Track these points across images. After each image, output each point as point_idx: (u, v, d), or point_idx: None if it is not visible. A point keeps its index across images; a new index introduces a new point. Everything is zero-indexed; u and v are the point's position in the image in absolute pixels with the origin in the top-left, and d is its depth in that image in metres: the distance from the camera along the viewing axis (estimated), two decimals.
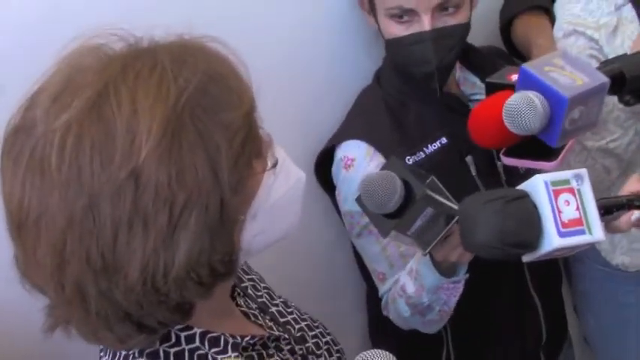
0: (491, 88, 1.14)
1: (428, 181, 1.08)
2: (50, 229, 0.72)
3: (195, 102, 0.74)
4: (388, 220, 1.08)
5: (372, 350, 0.83)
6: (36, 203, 0.72)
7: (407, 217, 1.07)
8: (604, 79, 1.07)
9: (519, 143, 1.11)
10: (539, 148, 1.09)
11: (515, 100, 1.03)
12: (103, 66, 0.75)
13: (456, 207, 1.08)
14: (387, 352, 0.90)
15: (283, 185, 0.85)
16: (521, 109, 1.02)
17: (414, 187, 1.07)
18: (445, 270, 1.22)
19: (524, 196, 0.98)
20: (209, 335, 0.86)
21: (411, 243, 1.12)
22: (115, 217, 0.71)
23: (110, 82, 0.73)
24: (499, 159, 1.37)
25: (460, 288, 1.26)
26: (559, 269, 1.74)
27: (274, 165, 0.83)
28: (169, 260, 0.73)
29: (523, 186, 1.01)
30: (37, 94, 0.76)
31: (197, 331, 0.85)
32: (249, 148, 0.78)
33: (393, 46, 1.43)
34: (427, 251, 1.13)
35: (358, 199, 1.09)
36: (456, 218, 1.09)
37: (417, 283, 1.27)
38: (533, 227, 0.96)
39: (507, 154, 1.13)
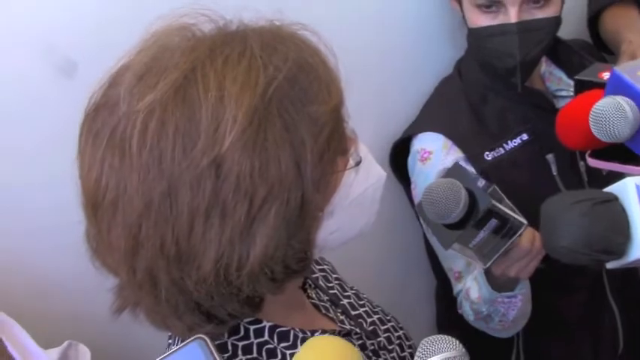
0: (581, 86, 1.08)
1: (490, 190, 1.05)
2: (127, 211, 0.71)
3: (283, 92, 0.72)
4: (450, 231, 1.05)
5: (438, 335, 0.79)
6: (114, 184, 0.71)
7: (470, 229, 1.04)
8: None
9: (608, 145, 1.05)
10: (628, 150, 1.03)
11: (604, 105, 0.97)
12: (191, 47, 0.73)
13: (521, 219, 1.06)
14: (453, 338, 0.84)
15: (363, 183, 0.83)
16: (610, 116, 0.96)
17: (478, 198, 1.03)
18: (503, 284, 1.20)
19: (614, 199, 0.94)
20: (278, 329, 0.85)
21: (471, 255, 1.09)
22: (193, 206, 0.69)
23: (198, 65, 0.71)
24: (582, 159, 1.39)
25: (518, 303, 1.24)
26: (638, 277, 1.67)
27: (357, 163, 0.81)
28: (244, 254, 0.71)
29: (611, 188, 0.96)
30: (121, 71, 0.75)
31: (266, 324, 0.84)
32: (334, 145, 0.76)
33: (476, 36, 1.40)
34: (488, 265, 1.10)
35: (419, 207, 1.06)
36: (520, 231, 1.07)
37: (479, 291, 1.26)
38: (622, 232, 0.91)
39: (594, 155, 1.08)
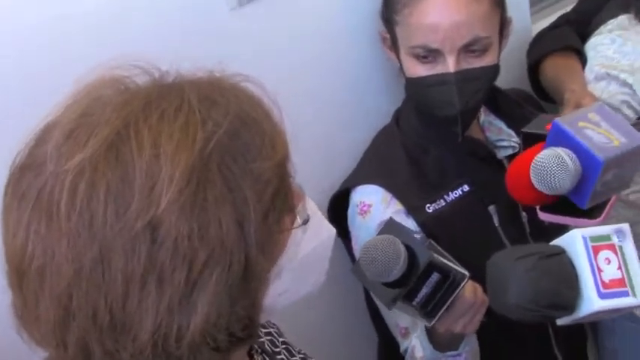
0: (529, 139, 1.09)
1: (426, 244, 1.05)
2: (55, 280, 0.67)
3: (224, 149, 0.69)
4: (391, 290, 1.03)
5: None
6: (41, 251, 0.68)
7: (412, 286, 1.03)
8: None
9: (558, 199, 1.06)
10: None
11: (545, 157, 0.98)
12: (124, 102, 0.70)
13: (463, 271, 1.05)
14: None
15: (312, 241, 0.81)
16: (551, 167, 0.97)
17: (417, 252, 1.02)
18: (447, 342, 1.19)
19: (561, 252, 0.94)
20: None
21: (414, 314, 1.08)
22: (128, 272, 0.66)
23: (131, 121, 0.68)
24: (524, 210, 1.40)
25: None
26: (583, 325, 1.68)
27: (305, 221, 0.79)
28: (184, 323, 0.67)
29: (558, 241, 0.96)
30: (48, 127, 0.72)
31: None
32: (280, 202, 0.74)
33: (414, 86, 1.40)
34: (432, 323, 1.08)
35: (355, 267, 1.04)
36: (463, 283, 1.06)
37: (423, 351, 1.25)
38: (571, 287, 0.92)
39: (544, 209, 1.08)
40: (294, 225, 0.78)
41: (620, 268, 0.92)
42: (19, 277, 0.70)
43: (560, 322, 0.97)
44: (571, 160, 0.97)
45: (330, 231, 0.86)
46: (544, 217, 1.09)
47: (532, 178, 1.00)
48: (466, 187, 1.41)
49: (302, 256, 0.80)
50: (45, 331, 0.70)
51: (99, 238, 0.66)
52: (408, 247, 1.02)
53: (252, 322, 0.74)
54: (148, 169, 0.66)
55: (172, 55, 0.76)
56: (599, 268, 0.91)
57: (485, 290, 1.10)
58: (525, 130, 1.11)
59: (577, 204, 1.03)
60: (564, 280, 0.92)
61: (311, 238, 0.81)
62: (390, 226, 1.07)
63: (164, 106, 0.70)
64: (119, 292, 0.66)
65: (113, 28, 1.13)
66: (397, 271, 1.00)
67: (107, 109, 0.70)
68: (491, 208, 1.41)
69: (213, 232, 0.67)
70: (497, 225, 1.41)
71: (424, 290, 1.04)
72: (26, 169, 0.70)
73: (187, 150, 0.67)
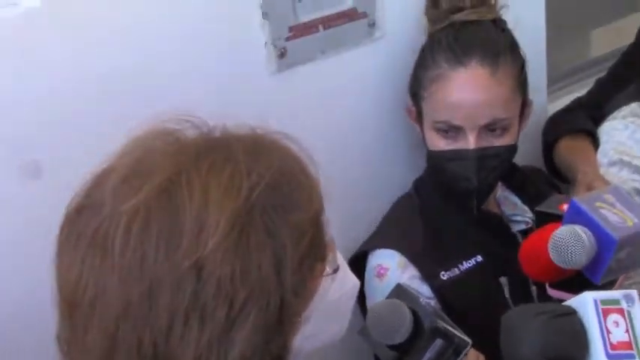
0: (542, 218, 1.17)
1: (432, 310, 1.08)
2: (105, 312, 0.73)
3: (266, 199, 0.75)
4: (394, 353, 1.07)
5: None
6: (93, 284, 0.73)
7: (415, 350, 1.06)
8: None
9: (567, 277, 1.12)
10: (584, 281, 1.11)
11: (563, 233, 1.06)
12: (176, 152, 0.77)
13: (465, 338, 1.09)
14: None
15: (338, 290, 0.87)
16: (569, 244, 1.04)
17: (422, 317, 1.06)
18: None
19: (572, 312, 0.99)
20: None
21: None
22: (173, 308, 0.72)
23: (183, 170, 0.75)
24: (534, 284, 1.43)
25: None
26: None
27: (335, 270, 0.85)
28: (222, 357, 0.73)
29: (571, 302, 1.01)
30: (105, 172, 0.78)
31: None
32: (314, 251, 0.80)
33: (435, 158, 1.47)
34: None
35: (363, 329, 1.08)
36: (466, 350, 1.09)
37: None
38: (581, 346, 0.96)
39: (553, 286, 1.15)
40: (325, 273, 0.84)
41: (627, 331, 0.96)
42: (70, 309, 0.75)
43: None
44: (587, 237, 1.04)
45: (355, 282, 0.92)
46: (553, 293, 1.15)
47: (550, 252, 1.06)
48: (479, 258, 1.47)
49: (329, 303, 0.85)
50: None
51: (148, 274, 0.72)
52: (414, 312, 1.05)
53: None
54: (197, 214, 0.72)
55: (216, 115, 0.83)
56: (607, 330, 0.95)
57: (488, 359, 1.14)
58: (539, 209, 1.19)
59: (591, 279, 1.09)
60: (575, 338, 0.96)
61: (338, 287, 0.87)
62: (398, 291, 1.12)
63: (213, 157, 0.76)
64: (164, 326, 0.72)
65: (159, 90, 1.22)
66: (402, 334, 1.03)
67: (160, 158, 0.77)
68: (503, 280, 1.46)
69: (253, 274, 0.73)
70: (507, 296, 1.46)
71: (427, 355, 1.06)
72: (84, 209, 0.77)
73: (233, 198, 0.74)
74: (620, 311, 0.97)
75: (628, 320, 0.97)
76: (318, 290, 0.83)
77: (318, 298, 0.83)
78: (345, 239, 1.44)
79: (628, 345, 0.95)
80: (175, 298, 0.72)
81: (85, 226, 0.75)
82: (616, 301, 0.97)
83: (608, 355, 0.94)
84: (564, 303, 1.01)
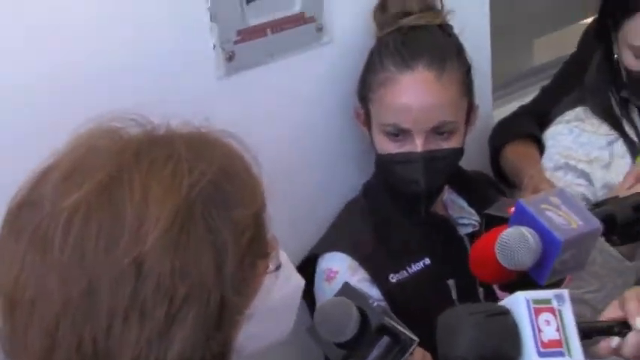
0: (490, 221, 1.18)
1: (380, 309, 1.09)
2: (45, 310, 0.73)
3: (207, 196, 0.76)
4: (342, 351, 1.07)
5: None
6: (33, 282, 0.73)
7: (362, 347, 1.07)
8: (597, 224, 1.12)
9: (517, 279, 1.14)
10: (532, 283, 1.12)
11: (509, 234, 1.07)
12: (118, 150, 0.78)
13: (412, 336, 1.10)
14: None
15: (282, 289, 0.88)
16: (515, 245, 1.06)
17: (369, 315, 1.07)
18: None
19: (506, 312, 1.00)
20: None
21: None
22: (113, 305, 0.72)
23: (124, 167, 0.75)
24: (481, 285, 1.45)
25: None
26: None
27: (277, 268, 0.86)
28: (161, 355, 0.73)
29: (504, 302, 1.03)
30: (47, 170, 0.78)
31: None
32: (255, 248, 0.80)
33: (383, 161, 1.49)
34: None
35: (311, 328, 1.09)
36: (412, 348, 1.10)
37: None
38: (514, 345, 0.97)
39: (503, 288, 1.16)
40: (268, 271, 0.85)
41: (558, 329, 0.98)
42: (11, 306, 0.75)
43: None
44: (533, 238, 1.06)
45: (299, 282, 0.93)
46: (502, 295, 1.16)
47: (497, 253, 1.08)
48: (427, 261, 1.49)
49: (271, 302, 0.86)
50: (30, 359, 0.75)
51: (88, 271, 0.72)
52: (361, 310, 1.07)
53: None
54: (138, 211, 0.73)
55: (161, 114, 0.84)
56: (539, 329, 0.97)
57: (434, 358, 1.16)
58: (488, 212, 1.20)
59: (536, 280, 1.11)
60: (508, 338, 0.97)
61: (281, 286, 0.88)
62: (345, 290, 1.13)
63: (155, 154, 0.77)
64: (103, 323, 0.72)
65: (102, 86, 1.21)
66: (349, 332, 1.05)
67: (102, 155, 0.77)
68: (450, 282, 1.48)
69: (193, 270, 0.73)
70: (454, 298, 1.48)
71: (375, 352, 1.08)
72: (25, 206, 0.77)
73: (174, 195, 0.74)
74: (552, 310, 0.99)
75: (559, 319, 0.99)
76: (261, 288, 0.83)
77: (261, 296, 0.83)
78: (293, 242, 1.44)
79: (558, 343, 0.97)
80: (115, 295, 0.72)
81: (26, 223, 0.75)
82: (547, 301, 0.99)
83: (539, 353, 0.96)
84: (499, 303, 1.03)
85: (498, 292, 1.18)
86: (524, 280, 1.12)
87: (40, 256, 0.73)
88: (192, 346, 0.74)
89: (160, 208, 0.73)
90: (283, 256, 0.90)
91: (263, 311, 0.84)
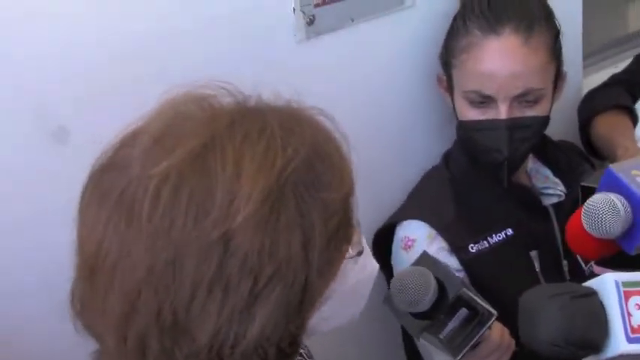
0: (587, 192, 1.15)
1: (457, 279, 1.08)
2: (127, 276, 0.72)
3: (299, 176, 0.75)
4: (418, 321, 1.07)
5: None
6: (116, 248, 0.73)
7: (439, 318, 1.07)
8: None
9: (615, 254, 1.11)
10: (631, 259, 1.09)
11: (596, 201, 1.05)
12: (211, 118, 0.76)
13: (490, 309, 1.09)
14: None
15: (359, 273, 0.86)
16: (602, 212, 1.03)
17: (447, 285, 1.06)
18: None
19: (592, 293, 0.97)
20: None
21: (441, 348, 1.11)
22: (197, 277, 0.71)
23: (217, 137, 0.74)
24: (565, 258, 1.44)
25: None
26: None
27: (359, 253, 0.84)
28: (242, 332, 0.72)
29: (591, 283, 0.99)
30: (136, 132, 0.77)
31: None
32: (342, 232, 0.79)
33: (465, 129, 1.47)
34: (459, 358, 1.11)
35: (387, 298, 1.09)
36: (490, 322, 1.09)
37: None
38: (600, 329, 0.94)
39: (600, 263, 1.16)
40: (348, 255, 0.82)
41: None
42: (91, 269, 0.75)
43: None
44: (622, 205, 1.03)
45: (374, 267, 0.91)
46: (598, 270, 1.16)
47: (583, 220, 1.05)
48: (510, 232, 1.46)
49: (349, 286, 0.84)
50: (108, 324, 0.74)
51: (175, 241, 0.70)
52: (438, 281, 1.06)
53: (297, 340, 0.79)
54: (230, 185, 0.71)
55: (240, 78, 0.82)
56: (628, 313, 0.94)
57: (513, 334, 1.13)
58: (584, 184, 1.17)
59: (625, 250, 1.08)
60: (594, 321, 0.95)
61: (359, 270, 0.86)
62: (423, 259, 1.12)
63: (247, 127, 0.75)
64: (186, 295, 0.71)
65: (182, 53, 1.23)
66: (426, 302, 1.04)
67: (194, 123, 0.75)
68: (534, 254, 1.46)
69: (281, 250, 0.72)
70: (538, 271, 1.46)
71: (451, 324, 1.07)
72: (111, 168, 0.75)
73: (267, 173, 0.72)
74: None
75: None
76: (340, 272, 0.82)
77: (339, 280, 0.82)
78: (372, 211, 1.53)
79: None
80: (200, 267, 0.71)
81: (111, 186, 0.74)
82: (638, 283, 0.95)
83: (628, 338, 0.93)
84: (584, 284, 0.99)
85: (595, 268, 1.17)
86: (623, 255, 1.09)
87: (125, 222, 0.72)
88: (272, 325, 0.73)
89: (252, 186, 0.72)
90: (363, 241, 0.88)
91: (338, 295, 0.82)
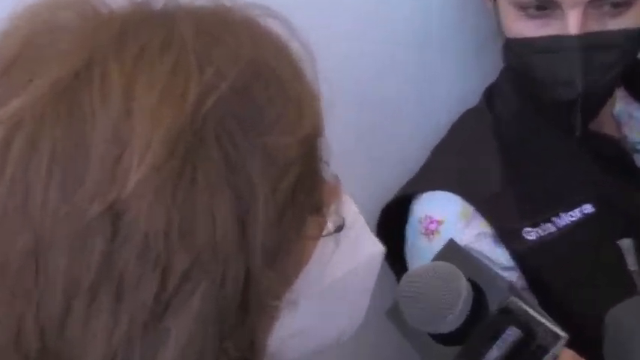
0: None
1: (504, 283, 0.97)
2: None
3: (227, 111, 0.63)
4: (442, 348, 0.93)
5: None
6: None
7: (475, 343, 0.91)
8: None
9: None
10: None
11: None
12: (89, 30, 0.66)
13: (557, 330, 0.92)
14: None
15: (347, 262, 0.76)
16: None
17: (487, 292, 0.91)
18: None
19: None
20: None
21: None
22: (72, 276, 0.60)
23: (96, 58, 0.63)
24: None
25: None
26: None
27: (339, 229, 0.74)
28: (148, 357, 0.63)
29: None
30: None
31: None
32: (303, 197, 0.68)
33: (516, 51, 1.29)
34: None
35: (393, 310, 0.95)
36: (555, 348, 0.90)
37: None
38: None
39: None
40: (323, 233, 0.73)
41: None
42: None
43: None
44: None
45: (377, 250, 0.81)
46: None
47: None
48: (588, 208, 1.27)
49: (330, 281, 0.75)
50: None
51: (34, 223, 0.61)
52: (474, 285, 0.90)
53: None
54: (115, 130, 0.61)
55: None
56: None
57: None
58: None
59: None
60: None
61: (346, 257, 0.75)
62: (450, 251, 0.99)
63: (145, 39, 0.65)
64: (57, 305, 0.61)
65: None
66: (454, 319, 0.88)
67: (63, 39, 0.66)
68: (625, 243, 1.25)
69: (201, 230, 0.61)
70: (632, 269, 1.25)
71: (494, 353, 0.90)
72: None
73: (173, 107, 0.61)
74: None
75: None
76: (311, 260, 0.71)
77: (312, 273, 0.72)
78: (375, 180, 1.40)
79: None
80: (76, 261, 0.60)
81: None
82: None
83: None
84: None
85: None
86: None
87: None
88: (197, 346, 0.62)
89: (149, 129, 0.60)
90: (352, 212, 0.78)
91: (316, 296, 0.74)
